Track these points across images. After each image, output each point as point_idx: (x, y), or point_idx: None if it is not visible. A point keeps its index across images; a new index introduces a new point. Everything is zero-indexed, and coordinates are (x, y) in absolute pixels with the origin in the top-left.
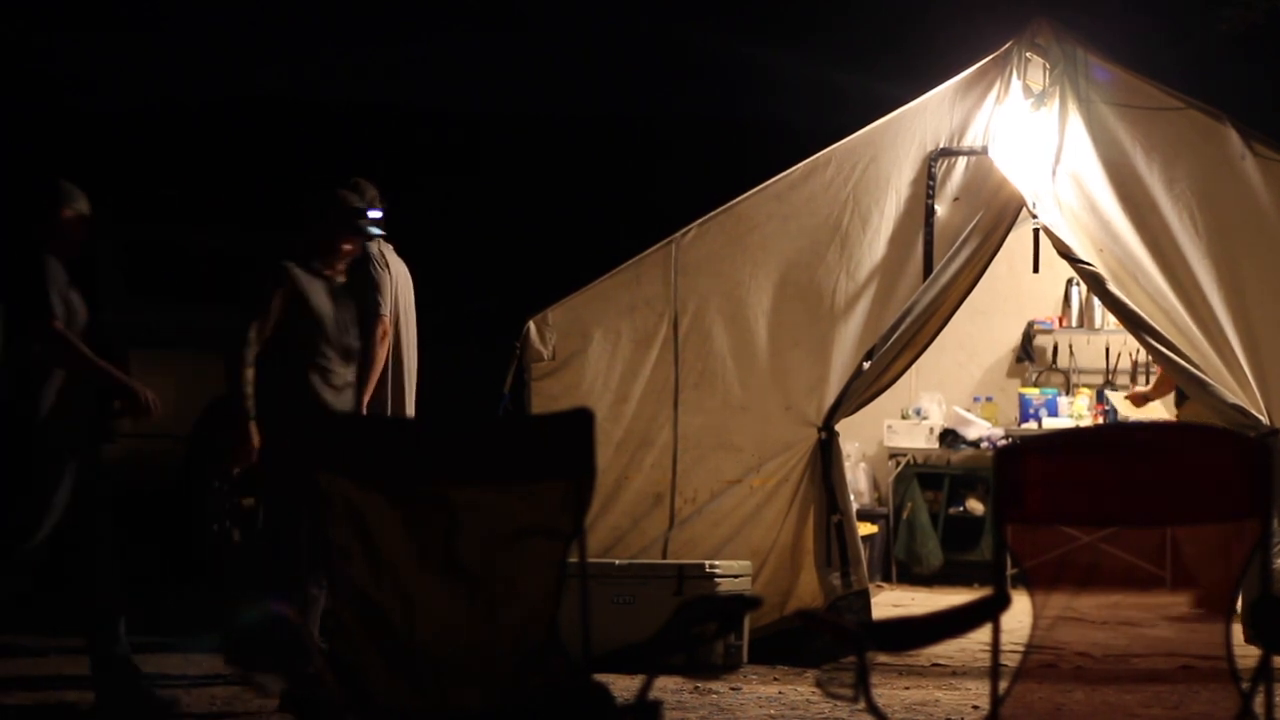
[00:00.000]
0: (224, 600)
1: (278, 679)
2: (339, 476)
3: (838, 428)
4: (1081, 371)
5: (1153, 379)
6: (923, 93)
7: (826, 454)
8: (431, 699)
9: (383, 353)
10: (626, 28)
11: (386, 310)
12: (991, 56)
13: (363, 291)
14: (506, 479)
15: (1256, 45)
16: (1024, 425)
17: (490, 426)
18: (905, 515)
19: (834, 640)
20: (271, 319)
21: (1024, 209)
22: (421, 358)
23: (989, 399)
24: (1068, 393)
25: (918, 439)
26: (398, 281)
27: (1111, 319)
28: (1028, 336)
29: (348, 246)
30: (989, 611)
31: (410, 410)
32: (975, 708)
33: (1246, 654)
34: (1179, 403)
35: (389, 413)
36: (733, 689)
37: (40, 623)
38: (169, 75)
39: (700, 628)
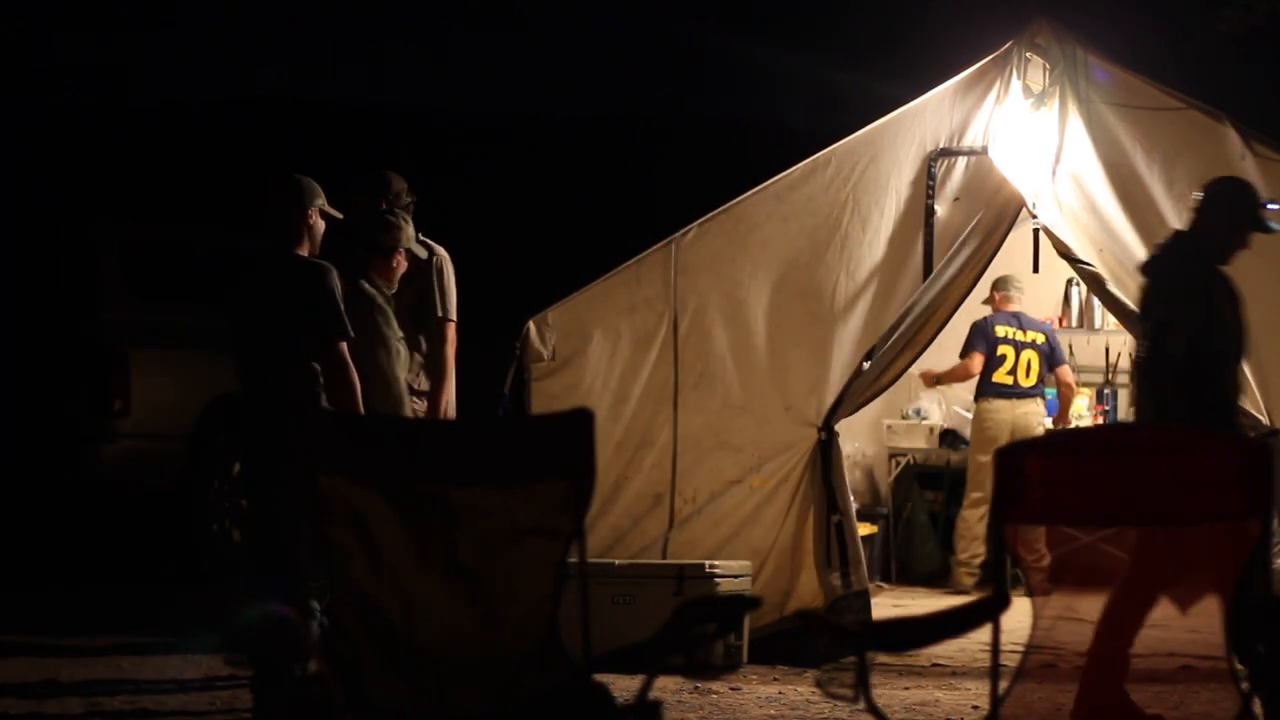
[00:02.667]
0: (224, 600)
1: (277, 677)
2: (339, 476)
3: (838, 428)
4: (1081, 371)
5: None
6: (923, 93)
7: (826, 454)
8: (431, 699)
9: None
10: (626, 28)
11: (453, 314)
12: (991, 56)
13: (427, 295)
14: (506, 479)
15: (1256, 46)
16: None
17: (490, 426)
18: (905, 515)
19: (834, 640)
20: None
21: (1024, 209)
22: None
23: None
24: None
25: (918, 439)
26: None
27: (1111, 319)
28: None
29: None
30: (988, 612)
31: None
32: (975, 708)
33: None
34: None
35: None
36: (733, 689)
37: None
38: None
39: (700, 628)
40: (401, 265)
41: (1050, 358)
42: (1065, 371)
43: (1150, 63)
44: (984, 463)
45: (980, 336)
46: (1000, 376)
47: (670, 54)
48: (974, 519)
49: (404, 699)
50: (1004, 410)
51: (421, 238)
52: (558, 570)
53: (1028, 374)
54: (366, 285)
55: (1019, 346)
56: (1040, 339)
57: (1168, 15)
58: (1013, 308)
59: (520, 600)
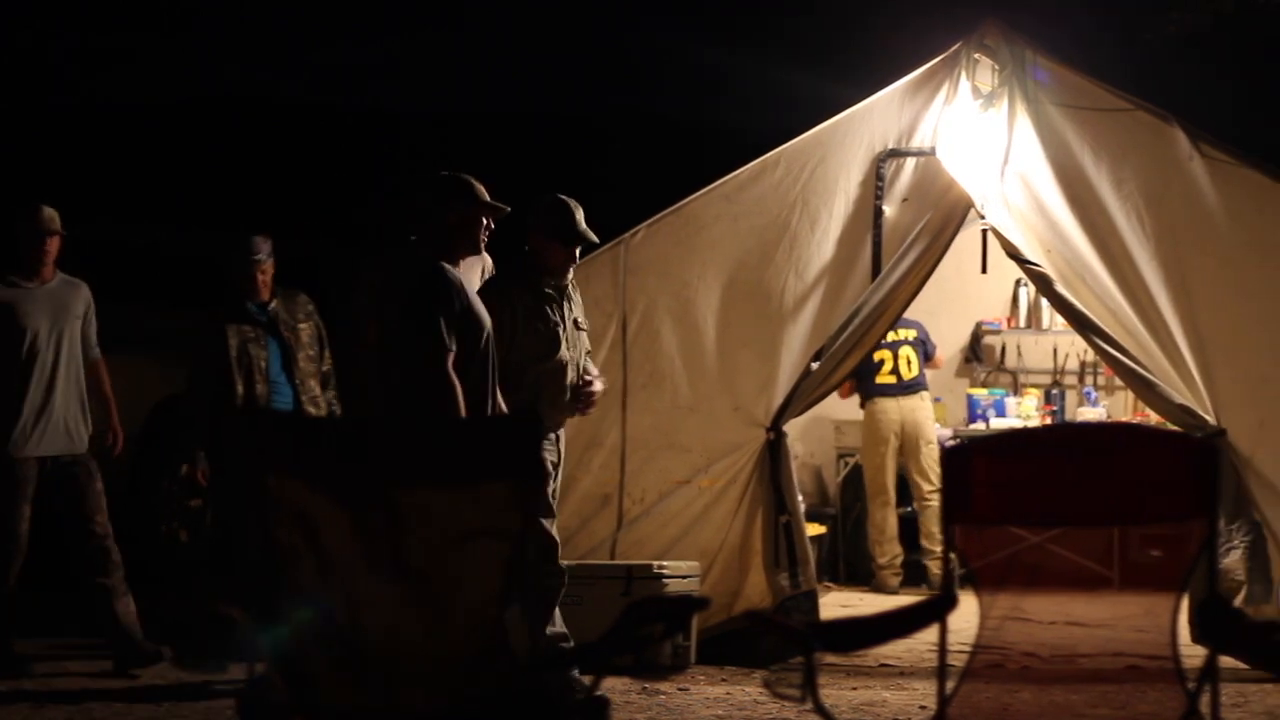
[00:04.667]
0: (173, 602)
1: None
2: (287, 478)
3: (786, 428)
4: (1029, 372)
5: (1100, 377)
6: (871, 94)
7: (775, 454)
8: (379, 700)
9: None
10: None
11: None
12: (940, 57)
13: None
14: (454, 480)
15: (1204, 47)
16: (972, 425)
17: (437, 427)
18: (853, 516)
19: (781, 640)
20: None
21: (972, 210)
22: None
23: (937, 399)
24: (1016, 393)
25: None
26: None
27: (1059, 319)
28: (976, 337)
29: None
30: (936, 612)
31: None
32: (923, 708)
33: (1193, 654)
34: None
35: None
36: (680, 689)
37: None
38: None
39: (648, 628)
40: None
41: (924, 349)
42: (939, 360)
43: (1098, 64)
44: (879, 464)
45: None
46: (883, 378)
47: (620, 54)
48: (884, 520)
49: (352, 700)
50: (892, 410)
51: None
52: (505, 571)
53: (909, 368)
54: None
55: (894, 347)
56: (912, 334)
57: (1116, 17)
58: None
59: (468, 601)
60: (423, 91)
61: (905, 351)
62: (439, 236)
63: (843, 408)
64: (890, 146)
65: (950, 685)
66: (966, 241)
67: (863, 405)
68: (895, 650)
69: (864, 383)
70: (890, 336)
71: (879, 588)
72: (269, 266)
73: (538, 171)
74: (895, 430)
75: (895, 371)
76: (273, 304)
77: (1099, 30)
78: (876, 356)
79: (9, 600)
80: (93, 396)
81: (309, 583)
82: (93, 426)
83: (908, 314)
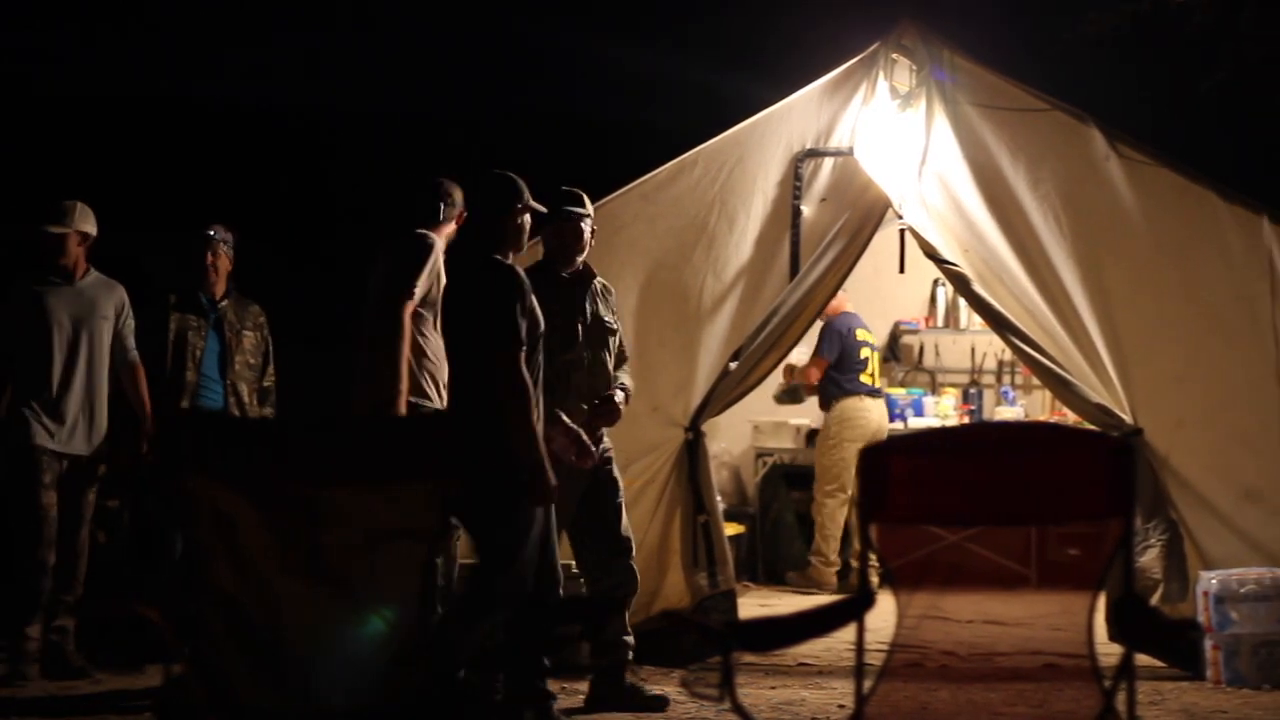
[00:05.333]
0: (91, 603)
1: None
2: (205, 477)
3: (704, 428)
4: (947, 371)
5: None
6: (790, 94)
7: (693, 454)
8: (297, 700)
9: None
10: (493, 26)
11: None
12: (858, 58)
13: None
14: (371, 480)
15: (1122, 48)
16: (890, 425)
17: (355, 428)
18: (772, 515)
19: (700, 640)
20: None
21: (890, 210)
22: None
23: None
24: (934, 393)
25: (784, 439)
26: None
27: (977, 319)
28: (894, 337)
29: None
30: (854, 611)
31: None
32: (841, 706)
33: (1109, 652)
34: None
35: None
36: None
37: None
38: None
39: (565, 628)
40: None
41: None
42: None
43: (1016, 65)
44: (846, 459)
45: (838, 340)
46: (865, 377)
47: (536, 54)
48: (837, 515)
49: (269, 700)
50: (873, 410)
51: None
52: (423, 571)
53: (878, 372)
54: None
55: (873, 348)
56: (874, 339)
57: (1034, 17)
58: (850, 307)
59: (385, 601)
60: (340, 90)
61: (876, 356)
62: (499, 234)
63: (761, 408)
64: (808, 146)
65: (869, 684)
66: (884, 241)
67: (834, 400)
68: (814, 649)
69: (845, 377)
70: (869, 337)
71: (813, 583)
72: (224, 254)
73: (456, 171)
74: (874, 430)
75: (872, 374)
76: (224, 303)
77: (1017, 31)
78: (862, 355)
79: (36, 597)
80: (125, 400)
81: (227, 583)
82: (107, 430)
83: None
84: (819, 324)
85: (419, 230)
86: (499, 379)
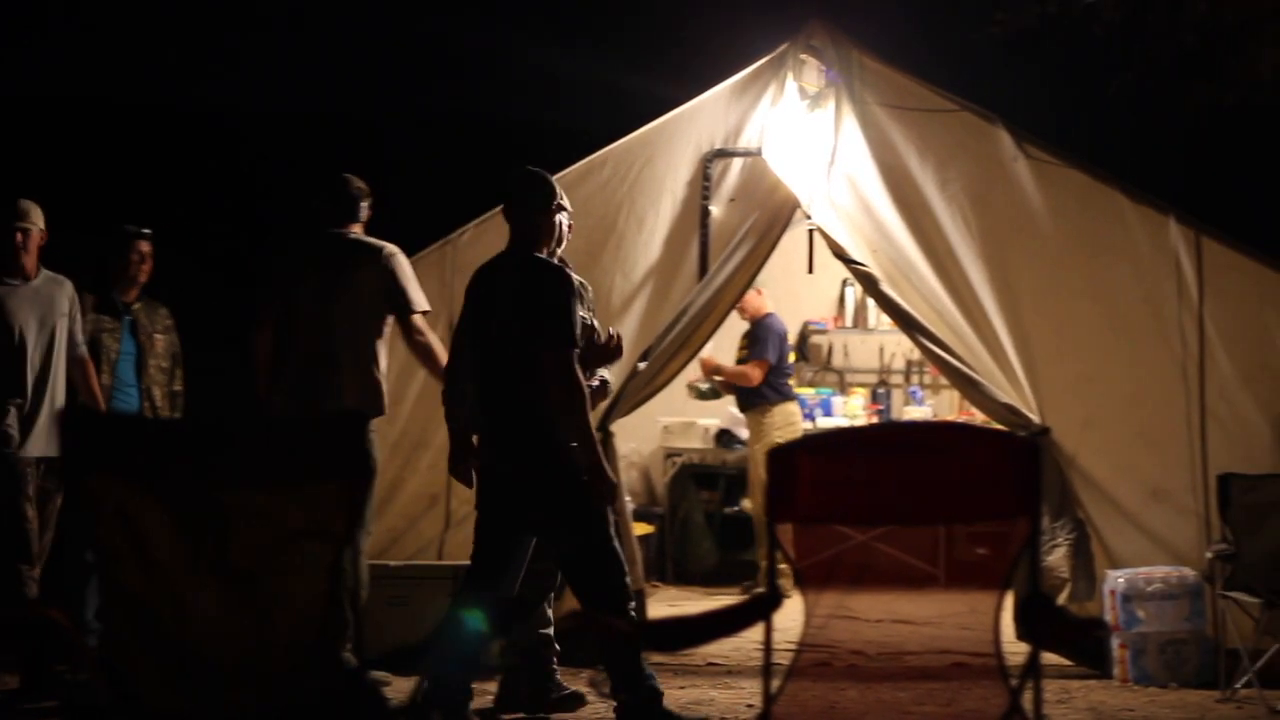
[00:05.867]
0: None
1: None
2: (110, 478)
3: (614, 428)
4: (856, 371)
5: (928, 376)
6: (698, 94)
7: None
8: (205, 702)
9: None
10: (401, 26)
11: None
12: (767, 58)
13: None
14: (280, 482)
15: (1029, 48)
16: None
17: (263, 429)
18: (681, 515)
19: (608, 640)
20: None
21: (799, 210)
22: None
23: None
24: (842, 392)
25: (693, 439)
26: None
27: (886, 319)
28: (803, 337)
29: None
30: (761, 611)
31: None
32: (750, 706)
33: (1016, 651)
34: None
35: None
36: None
37: None
38: None
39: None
40: None
41: None
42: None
43: (924, 65)
44: None
45: (780, 342)
46: (792, 381)
47: (442, 53)
48: None
49: (176, 702)
50: (799, 414)
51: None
52: (332, 572)
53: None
54: None
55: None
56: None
57: (943, 18)
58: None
59: (294, 602)
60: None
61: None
62: (537, 232)
63: (670, 408)
64: (717, 147)
65: (777, 684)
66: (793, 242)
67: (772, 404)
68: (723, 649)
69: (781, 381)
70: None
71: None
72: (147, 257)
73: (366, 171)
74: (801, 431)
75: (795, 377)
76: (136, 305)
77: (926, 32)
78: (791, 358)
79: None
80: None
81: (133, 584)
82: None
83: None
84: (744, 325)
85: (338, 229)
86: (555, 379)
